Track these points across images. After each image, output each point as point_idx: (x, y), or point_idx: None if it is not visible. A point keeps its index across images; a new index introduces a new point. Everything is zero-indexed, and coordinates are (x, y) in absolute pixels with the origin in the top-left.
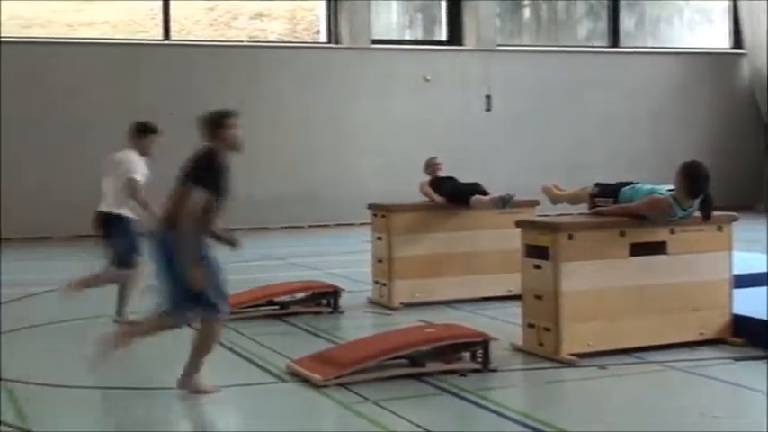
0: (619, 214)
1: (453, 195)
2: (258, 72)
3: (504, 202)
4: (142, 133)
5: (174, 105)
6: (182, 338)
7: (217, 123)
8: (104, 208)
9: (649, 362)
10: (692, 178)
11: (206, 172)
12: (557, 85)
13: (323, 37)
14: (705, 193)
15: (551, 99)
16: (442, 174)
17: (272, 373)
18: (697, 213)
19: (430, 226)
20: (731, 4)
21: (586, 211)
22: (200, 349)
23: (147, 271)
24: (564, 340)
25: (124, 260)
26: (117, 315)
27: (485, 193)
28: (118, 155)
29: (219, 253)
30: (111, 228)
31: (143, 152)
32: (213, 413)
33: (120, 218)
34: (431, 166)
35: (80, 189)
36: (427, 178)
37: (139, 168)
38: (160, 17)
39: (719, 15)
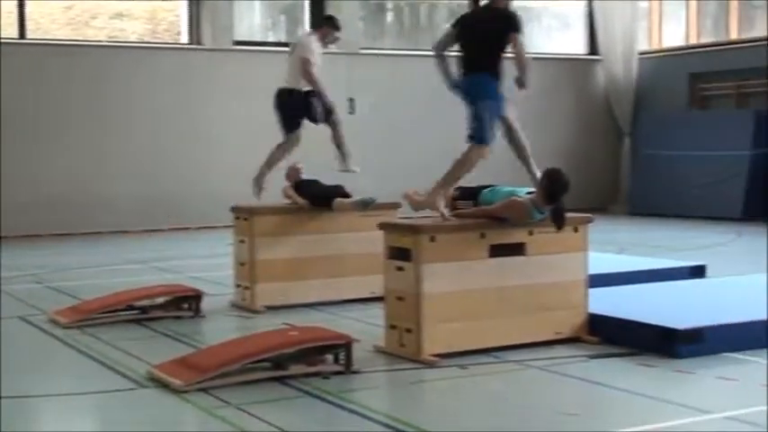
0: (478, 216)
1: (316, 198)
2: (117, 72)
3: (366, 205)
4: (329, 23)
5: (30, 105)
6: (40, 347)
7: None
8: (283, 84)
9: (508, 361)
10: (552, 183)
11: (516, 21)
12: (420, 89)
13: (184, 38)
14: (559, 202)
15: (415, 102)
16: (305, 177)
17: (131, 379)
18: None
19: (293, 228)
20: (587, 10)
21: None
22: (456, 169)
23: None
24: (425, 341)
25: (288, 126)
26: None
27: (347, 196)
28: (300, 37)
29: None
30: (285, 99)
31: (323, 40)
32: (70, 420)
33: (292, 91)
34: (292, 171)
35: None
36: (289, 184)
37: (315, 50)
38: (15, 16)
39: (576, 21)
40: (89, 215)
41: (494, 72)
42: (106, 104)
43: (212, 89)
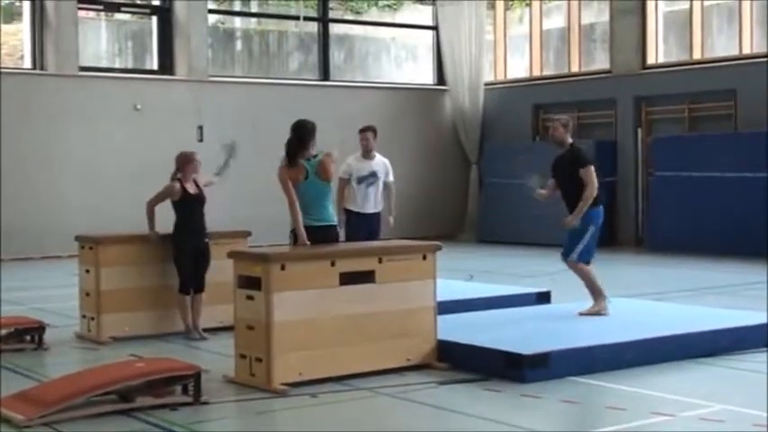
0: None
1: (189, 264)
2: None
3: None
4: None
5: None
6: None
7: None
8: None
9: (359, 389)
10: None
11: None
12: (269, 117)
13: (27, 63)
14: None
15: (264, 130)
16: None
17: None
18: None
19: (140, 258)
20: (434, 41)
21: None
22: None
23: None
24: (275, 370)
25: None
26: None
27: (202, 289)
28: None
29: None
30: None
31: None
32: None
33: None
34: (186, 158)
35: None
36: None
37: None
38: None
39: (424, 52)
40: None
41: None
42: None
43: (56, 116)
